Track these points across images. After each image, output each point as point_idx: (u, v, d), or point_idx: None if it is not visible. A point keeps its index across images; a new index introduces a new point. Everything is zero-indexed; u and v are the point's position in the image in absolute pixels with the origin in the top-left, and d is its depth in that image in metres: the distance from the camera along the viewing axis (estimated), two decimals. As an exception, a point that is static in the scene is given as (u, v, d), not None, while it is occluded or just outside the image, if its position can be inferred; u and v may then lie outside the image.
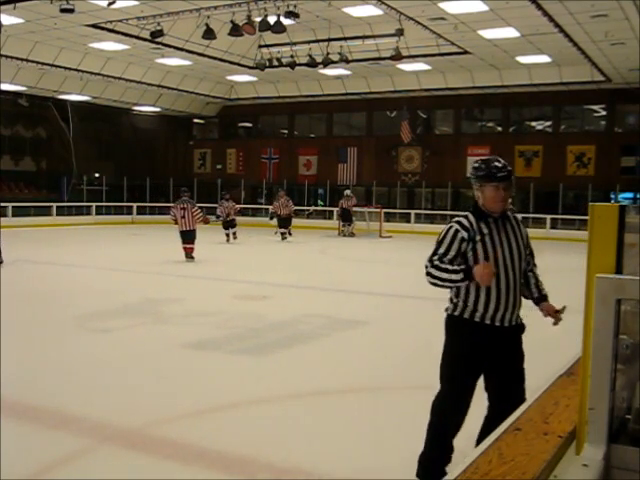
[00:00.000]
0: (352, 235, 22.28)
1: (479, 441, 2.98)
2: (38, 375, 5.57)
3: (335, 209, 24.98)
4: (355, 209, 22.66)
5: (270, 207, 20.41)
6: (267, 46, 20.20)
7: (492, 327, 3.28)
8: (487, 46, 19.09)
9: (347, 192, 22.60)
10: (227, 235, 19.05)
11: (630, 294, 1.19)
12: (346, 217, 22.45)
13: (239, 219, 20.13)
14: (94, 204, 26.99)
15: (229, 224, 18.98)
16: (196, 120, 32.43)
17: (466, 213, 3.52)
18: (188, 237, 14.04)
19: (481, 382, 3.48)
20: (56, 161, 28.40)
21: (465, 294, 3.35)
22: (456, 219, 3.48)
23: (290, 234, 19.85)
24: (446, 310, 3.55)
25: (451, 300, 3.48)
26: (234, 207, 19.21)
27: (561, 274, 9.63)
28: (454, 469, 1.11)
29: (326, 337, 7.29)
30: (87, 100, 26.39)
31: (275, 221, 20.16)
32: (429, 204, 27.51)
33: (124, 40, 19.21)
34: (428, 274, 3.40)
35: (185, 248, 14.06)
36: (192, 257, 14.08)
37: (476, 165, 3.52)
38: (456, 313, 3.42)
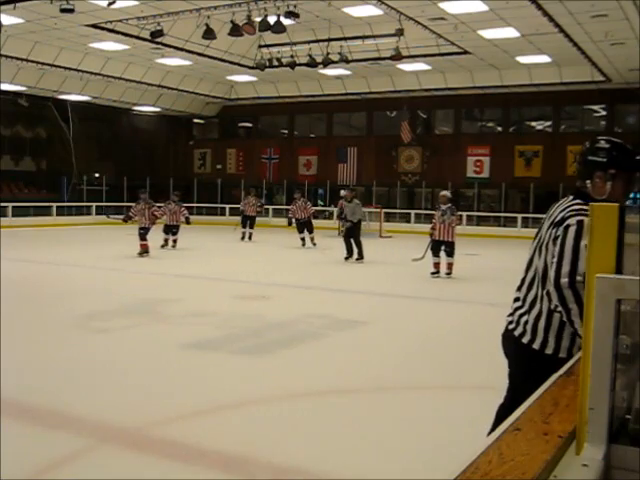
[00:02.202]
0: None
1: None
2: (38, 375, 5.57)
3: (335, 209, 24.96)
4: None
5: (288, 210, 19.00)
6: (267, 46, 20.20)
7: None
8: (487, 46, 19.10)
9: (342, 192, 22.47)
10: (243, 234, 19.17)
11: (630, 294, 1.19)
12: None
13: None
14: (94, 204, 26.98)
15: (248, 221, 19.02)
16: (196, 120, 32.43)
17: (577, 202, 2.64)
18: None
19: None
20: (56, 161, 28.40)
21: (559, 328, 2.67)
22: (578, 210, 2.57)
23: (313, 242, 17.99)
24: (523, 340, 2.78)
25: (534, 330, 2.73)
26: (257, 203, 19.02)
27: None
28: (454, 469, 1.11)
29: (326, 337, 7.29)
30: (87, 100, 26.39)
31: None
32: (429, 204, 27.50)
33: (124, 40, 19.21)
34: (576, 298, 2.45)
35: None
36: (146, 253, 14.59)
37: (616, 146, 2.66)
38: (548, 352, 2.70)
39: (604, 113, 24.59)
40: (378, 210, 23.63)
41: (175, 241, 16.54)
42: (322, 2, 16.12)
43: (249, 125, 32.02)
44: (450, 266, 11.95)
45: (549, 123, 25.68)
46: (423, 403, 5.14)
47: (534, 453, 1.21)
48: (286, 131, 30.73)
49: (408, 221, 25.92)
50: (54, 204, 25.14)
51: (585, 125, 25.32)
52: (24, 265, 13.14)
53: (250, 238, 19.38)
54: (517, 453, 1.20)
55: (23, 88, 23.97)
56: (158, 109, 29.37)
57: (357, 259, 14.46)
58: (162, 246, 16.24)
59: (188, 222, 16.61)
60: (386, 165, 27.32)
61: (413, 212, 26.14)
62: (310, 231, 18.00)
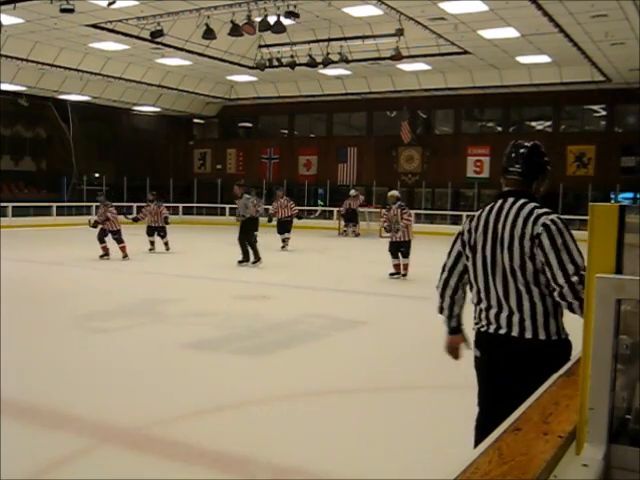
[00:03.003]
0: (357, 235, 22.30)
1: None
2: (38, 375, 5.57)
3: (335, 209, 24.99)
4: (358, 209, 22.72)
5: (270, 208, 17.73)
6: (267, 46, 20.20)
7: None
8: (487, 46, 19.10)
9: (353, 192, 22.63)
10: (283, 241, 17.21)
11: (630, 294, 1.19)
12: (352, 217, 22.46)
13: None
14: (94, 204, 26.96)
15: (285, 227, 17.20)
16: (196, 120, 32.44)
17: (536, 204, 2.92)
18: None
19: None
20: (56, 161, 28.40)
21: (554, 311, 2.83)
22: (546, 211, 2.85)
23: (285, 243, 17.10)
24: (527, 336, 2.84)
25: (534, 322, 2.83)
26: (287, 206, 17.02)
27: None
28: (454, 469, 1.11)
29: (326, 337, 7.30)
30: (87, 100, 26.39)
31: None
32: (429, 204, 27.51)
33: (124, 40, 19.21)
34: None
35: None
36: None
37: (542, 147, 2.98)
38: (555, 337, 2.84)
39: (604, 113, 24.59)
40: (378, 210, 23.62)
41: (166, 243, 15.66)
42: (322, 2, 16.12)
43: (249, 125, 32.02)
44: (406, 267, 11.83)
45: (549, 123, 25.67)
46: (423, 403, 5.14)
47: (534, 453, 1.21)
48: (286, 131, 30.73)
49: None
50: (54, 204, 25.13)
51: (585, 125, 25.33)
52: (24, 265, 13.14)
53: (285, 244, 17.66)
54: (517, 453, 1.20)
55: (23, 88, 23.96)
56: (158, 109, 29.37)
57: (253, 262, 13.23)
58: (150, 250, 15.68)
59: (166, 222, 15.76)
60: (386, 165, 27.32)
61: (413, 212, 26.04)
62: (287, 231, 17.04)
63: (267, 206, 17.08)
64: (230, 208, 27.37)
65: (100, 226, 14.26)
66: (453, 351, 3.28)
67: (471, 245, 2.96)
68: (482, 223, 2.91)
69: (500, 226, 2.84)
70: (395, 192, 12.28)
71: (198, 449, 4.02)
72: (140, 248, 15.32)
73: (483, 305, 2.98)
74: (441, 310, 3.21)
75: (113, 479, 3.64)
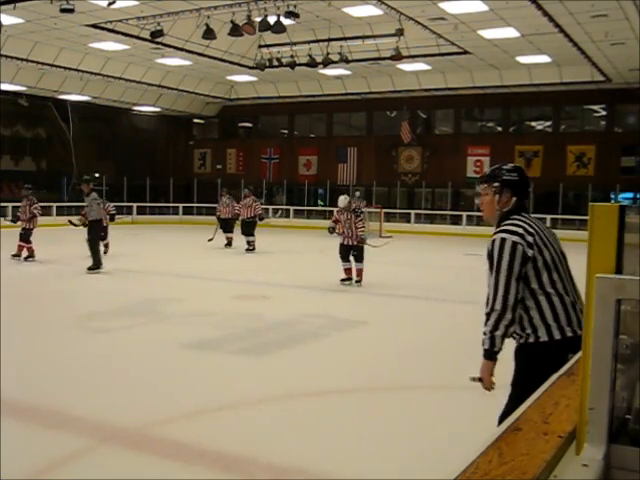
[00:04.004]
0: None
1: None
2: (38, 375, 5.57)
3: (335, 209, 24.98)
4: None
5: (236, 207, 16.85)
6: (267, 46, 20.19)
7: None
8: (487, 46, 19.09)
9: (357, 193, 22.84)
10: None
11: (630, 294, 1.19)
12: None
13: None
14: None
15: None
16: (196, 120, 32.43)
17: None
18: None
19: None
20: (56, 161, 28.38)
21: (552, 311, 2.94)
22: None
23: (229, 243, 16.87)
24: (530, 341, 2.95)
25: (533, 326, 2.94)
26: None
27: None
28: (454, 469, 1.11)
29: (326, 337, 7.30)
30: (87, 100, 26.38)
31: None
32: (429, 204, 27.51)
33: (124, 40, 19.20)
34: None
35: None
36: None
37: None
38: (557, 337, 2.91)
39: (604, 113, 24.58)
40: (378, 210, 23.65)
41: (106, 246, 14.13)
42: (322, 2, 16.12)
43: (249, 125, 32.02)
44: (360, 272, 11.02)
45: (549, 123, 25.68)
46: (423, 403, 5.14)
47: (534, 453, 1.21)
48: (286, 131, 30.73)
49: (408, 221, 25.92)
50: (54, 204, 25.11)
51: (585, 125, 25.33)
52: (24, 265, 13.14)
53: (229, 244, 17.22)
54: (517, 453, 1.20)
55: (23, 88, 23.95)
56: (158, 109, 29.36)
57: (90, 268, 11.71)
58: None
59: (112, 219, 14.53)
60: (386, 165, 27.32)
61: (413, 212, 26.14)
62: (251, 234, 16.22)
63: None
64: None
65: (23, 224, 13.46)
66: (489, 378, 3.02)
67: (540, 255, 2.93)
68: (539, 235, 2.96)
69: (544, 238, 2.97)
70: (347, 197, 11.40)
71: (198, 449, 4.02)
72: (140, 248, 15.30)
73: (509, 317, 2.89)
74: (501, 343, 2.93)
75: (113, 479, 3.64)
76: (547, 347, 2.84)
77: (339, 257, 11.12)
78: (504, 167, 3.07)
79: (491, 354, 2.89)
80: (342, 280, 11.06)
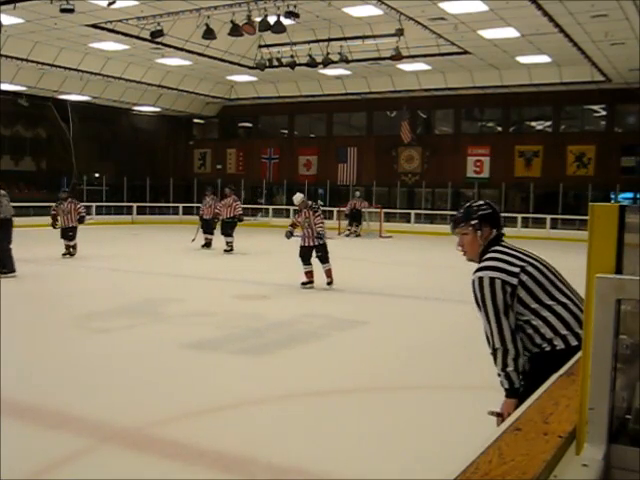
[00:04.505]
0: (358, 235, 22.40)
1: None
2: (38, 375, 5.57)
3: (335, 209, 25.01)
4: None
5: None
6: (267, 46, 20.20)
7: None
8: (487, 46, 19.10)
9: (357, 193, 23.15)
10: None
11: (630, 294, 1.19)
12: (356, 218, 22.68)
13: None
14: (94, 204, 26.97)
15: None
16: (196, 120, 32.43)
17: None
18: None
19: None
20: (56, 161, 28.38)
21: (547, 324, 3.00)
22: None
23: (208, 245, 16.63)
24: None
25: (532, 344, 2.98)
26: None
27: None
28: (454, 469, 1.11)
29: (326, 337, 7.30)
30: (87, 100, 26.38)
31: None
32: (429, 204, 27.51)
33: (124, 40, 19.21)
34: None
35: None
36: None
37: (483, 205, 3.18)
38: (551, 348, 2.95)
39: (604, 113, 24.58)
40: (378, 210, 23.66)
41: (74, 247, 14.06)
42: (322, 2, 16.12)
43: (249, 125, 32.02)
44: (329, 273, 10.53)
45: (549, 123, 25.67)
46: (423, 403, 5.14)
47: (534, 453, 1.20)
48: (286, 131, 30.73)
49: (408, 221, 25.93)
50: (54, 204, 25.08)
51: (585, 125, 25.32)
52: (24, 265, 13.13)
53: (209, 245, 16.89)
54: (517, 453, 1.20)
55: (23, 88, 23.96)
56: (158, 109, 29.36)
57: (3, 271, 10.81)
58: (63, 254, 14.07)
59: (81, 221, 14.41)
60: (386, 165, 27.32)
61: (413, 212, 26.15)
62: (229, 234, 15.99)
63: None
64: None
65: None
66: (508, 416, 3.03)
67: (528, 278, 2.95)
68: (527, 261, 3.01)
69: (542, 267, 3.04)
70: (301, 195, 10.83)
71: (198, 449, 4.02)
72: (140, 248, 15.31)
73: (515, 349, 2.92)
74: (517, 378, 2.89)
75: (113, 479, 3.64)
76: (565, 354, 2.73)
77: (300, 259, 10.58)
78: (474, 204, 3.17)
79: (512, 392, 2.85)
80: (303, 284, 10.57)
